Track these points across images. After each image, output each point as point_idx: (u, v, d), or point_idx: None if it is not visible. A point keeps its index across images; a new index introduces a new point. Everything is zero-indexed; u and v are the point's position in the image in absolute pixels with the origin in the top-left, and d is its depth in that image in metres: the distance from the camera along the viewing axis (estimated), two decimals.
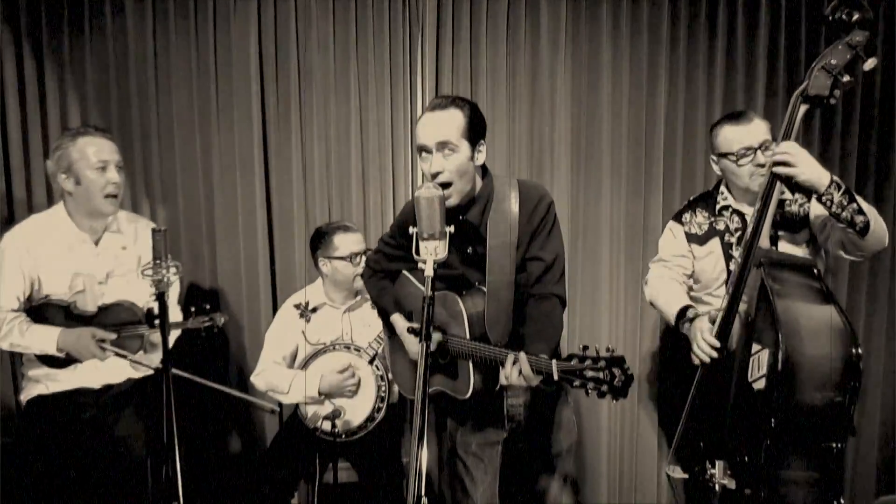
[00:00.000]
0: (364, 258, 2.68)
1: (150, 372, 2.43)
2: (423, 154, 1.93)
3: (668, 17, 3.16)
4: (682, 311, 2.28)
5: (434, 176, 1.90)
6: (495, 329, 1.96)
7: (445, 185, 1.90)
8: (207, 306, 2.49)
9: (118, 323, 2.36)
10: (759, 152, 2.22)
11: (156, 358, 2.44)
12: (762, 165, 2.20)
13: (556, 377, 1.68)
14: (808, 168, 1.96)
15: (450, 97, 1.97)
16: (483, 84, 3.16)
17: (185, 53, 3.09)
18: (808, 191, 2.02)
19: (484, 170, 2.04)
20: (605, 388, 1.63)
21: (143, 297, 2.43)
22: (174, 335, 2.51)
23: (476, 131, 1.94)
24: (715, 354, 2.07)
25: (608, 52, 3.18)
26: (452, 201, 1.92)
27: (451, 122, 1.90)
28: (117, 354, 2.31)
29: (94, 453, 2.37)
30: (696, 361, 2.14)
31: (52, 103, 3.04)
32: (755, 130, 2.23)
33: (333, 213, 3.19)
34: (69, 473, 2.33)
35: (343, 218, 3.14)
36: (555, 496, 2.14)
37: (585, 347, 1.68)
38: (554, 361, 1.69)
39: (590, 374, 1.64)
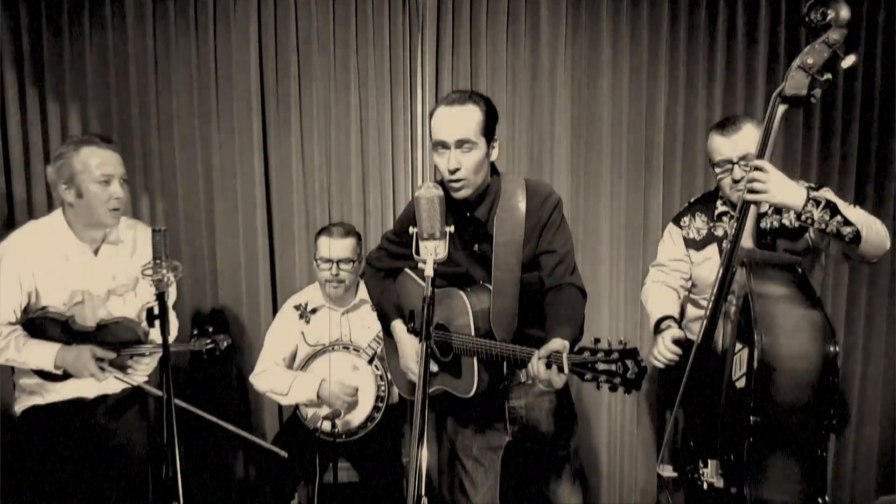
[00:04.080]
0: (338, 268, 2.70)
1: (144, 379, 2.41)
2: (440, 149, 1.91)
3: (668, 17, 3.16)
4: (659, 322, 2.32)
5: (452, 172, 1.88)
6: (500, 326, 1.95)
7: (460, 181, 1.89)
8: (210, 328, 2.45)
9: (118, 342, 2.31)
10: (736, 167, 2.19)
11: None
12: (738, 181, 2.19)
13: (566, 370, 1.64)
14: (780, 191, 1.93)
15: (466, 92, 1.94)
16: (483, 84, 3.15)
17: (185, 53, 3.09)
18: (787, 210, 2.01)
19: (492, 168, 2.03)
20: (617, 380, 1.58)
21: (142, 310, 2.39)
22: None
23: (491, 128, 1.93)
24: (668, 361, 2.16)
25: (608, 51, 3.18)
26: (463, 194, 1.91)
27: (470, 118, 1.88)
28: (116, 378, 2.28)
29: (95, 460, 2.33)
30: (655, 363, 2.21)
31: (52, 103, 3.04)
32: (739, 141, 2.19)
33: (333, 214, 3.20)
34: (69, 480, 2.29)
35: (343, 218, 3.14)
36: (564, 498, 2.13)
37: (597, 340, 1.63)
38: (564, 354, 1.65)
39: (602, 366, 1.59)
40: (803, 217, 1.95)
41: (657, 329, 2.31)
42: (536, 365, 1.70)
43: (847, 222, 1.94)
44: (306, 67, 3.13)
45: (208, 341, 2.41)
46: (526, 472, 2.16)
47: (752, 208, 2.02)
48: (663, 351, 2.18)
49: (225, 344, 2.44)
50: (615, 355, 1.59)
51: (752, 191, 1.95)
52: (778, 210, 2.21)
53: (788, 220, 2.21)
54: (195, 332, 2.43)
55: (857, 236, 1.95)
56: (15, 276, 2.24)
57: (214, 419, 2.34)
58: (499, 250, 1.96)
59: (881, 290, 3.28)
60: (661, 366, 2.19)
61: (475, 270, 2.03)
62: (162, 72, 3.10)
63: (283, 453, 2.41)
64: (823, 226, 1.94)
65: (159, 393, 2.38)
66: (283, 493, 2.70)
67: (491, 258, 1.97)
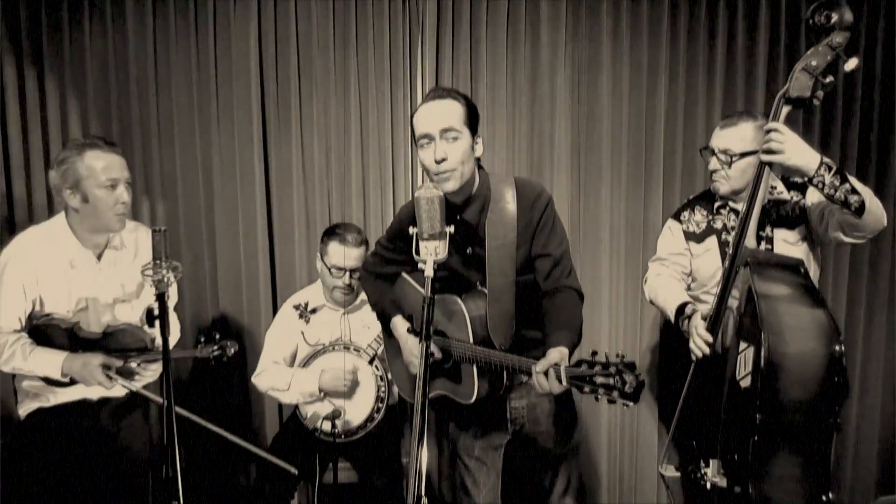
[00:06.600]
0: (350, 277, 2.69)
1: (151, 386, 2.40)
2: (425, 143, 1.88)
3: (668, 17, 3.16)
4: (681, 308, 2.31)
5: (438, 162, 1.85)
6: (498, 332, 1.93)
7: (446, 171, 1.86)
8: (217, 335, 2.42)
9: (124, 349, 2.29)
10: (713, 158, 2.30)
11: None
12: (714, 171, 2.31)
13: (564, 383, 1.65)
14: (796, 152, 1.97)
15: (446, 89, 1.95)
16: (483, 84, 3.16)
17: (185, 53, 3.09)
18: (799, 174, 2.03)
19: (479, 166, 2.01)
20: (615, 394, 1.58)
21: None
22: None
23: (474, 122, 1.93)
24: (707, 350, 2.12)
25: (608, 52, 3.18)
26: (451, 186, 1.87)
27: (453, 110, 1.88)
28: (123, 385, 2.26)
29: (97, 462, 2.31)
30: (693, 357, 2.19)
31: (52, 103, 3.04)
32: (726, 136, 2.28)
33: (333, 213, 3.20)
34: (71, 482, 2.28)
35: (343, 218, 3.14)
36: (558, 497, 2.13)
37: (595, 353, 1.63)
38: (563, 367, 1.65)
39: (600, 380, 1.60)
40: (815, 181, 1.98)
41: (679, 316, 2.30)
42: (538, 380, 1.71)
43: (854, 191, 1.98)
44: (306, 68, 3.13)
45: (215, 348, 2.38)
46: (525, 471, 2.16)
47: (757, 205, 2.05)
48: (699, 342, 2.15)
49: (232, 350, 2.41)
50: (613, 369, 1.59)
51: (767, 151, 1.99)
52: (776, 203, 2.26)
53: (786, 209, 2.25)
54: (202, 338, 2.41)
55: (861, 206, 1.98)
56: (19, 284, 2.22)
57: (223, 432, 2.31)
58: (492, 254, 1.94)
59: (881, 290, 3.28)
60: (699, 355, 2.16)
61: (471, 274, 2.02)
62: (162, 72, 3.10)
63: (294, 470, 2.38)
64: (833, 191, 1.98)
65: (160, 399, 2.37)
66: (283, 493, 2.70)
67: (485, 261, 1.95)
